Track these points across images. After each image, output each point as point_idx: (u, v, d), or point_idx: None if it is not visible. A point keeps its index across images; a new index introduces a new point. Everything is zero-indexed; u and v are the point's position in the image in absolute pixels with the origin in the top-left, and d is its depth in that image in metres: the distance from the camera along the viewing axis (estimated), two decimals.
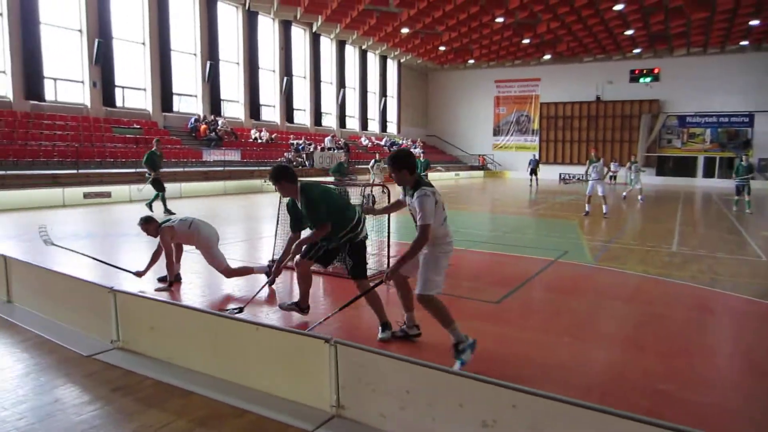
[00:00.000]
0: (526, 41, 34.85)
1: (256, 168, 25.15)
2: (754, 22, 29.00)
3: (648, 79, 38.87)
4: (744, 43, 33.93)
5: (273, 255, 8.25)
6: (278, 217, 8.28)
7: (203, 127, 25.42)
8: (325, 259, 5.31)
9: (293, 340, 3.80)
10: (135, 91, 24.19)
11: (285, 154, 27.71)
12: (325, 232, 4.97)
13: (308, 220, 5.11)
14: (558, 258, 9.39)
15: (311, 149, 28.96)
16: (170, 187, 16.48)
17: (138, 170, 19.41)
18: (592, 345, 5.26)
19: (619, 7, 27.00)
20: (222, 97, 27.92)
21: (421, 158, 21.40)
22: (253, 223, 13.80)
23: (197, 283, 7.22)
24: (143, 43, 24.02)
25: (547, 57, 39.91)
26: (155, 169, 14.23)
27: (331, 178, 21.42)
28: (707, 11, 27.35)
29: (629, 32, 32.35)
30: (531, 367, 4.57)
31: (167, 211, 13.55)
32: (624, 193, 22.45)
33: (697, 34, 32.53)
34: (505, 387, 2.92)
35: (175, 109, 25.50)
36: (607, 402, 3.36)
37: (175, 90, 25.34)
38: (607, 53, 38.57)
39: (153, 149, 14.50)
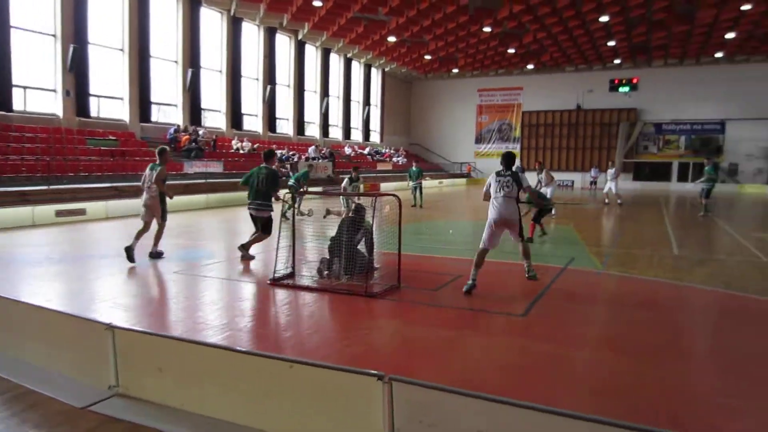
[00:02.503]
0: (511, 51, 34.97)
1: (239, 180, 24.27)
2: (730, 35, 29.84)
3: (627, 89, 39.58)
4: (719, 54, 34.89)
5: (274, 274, 7.72)
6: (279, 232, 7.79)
7: (185, 137, 24.49)
8: None
9: (337, 378, 3.26)
10: (111, 101, 23.08)
11: None
12: None
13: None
14: (567, 265, 9.15)
15: (295, 159, 28.30)
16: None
17: (114, 184, 18.40)
18: (649, 361, 4.84)
19: (605, 18, 27.25)
20: (203, 106, 27.02)
21: (414, 167, 21.07)
22: (239, 239, 12.98)
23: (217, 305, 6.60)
24: (121, 50, 22.99)
25: (530, 67, 40.26)
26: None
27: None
28: (688, 24, 28.01)
29: (611, 43, 32.85)
30: (595, 390, 4.18)
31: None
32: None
33: (676, 46, 33.37)
34: (602, 423, 2.51)
35: (153, 119, 24.42)
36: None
37: (153, 99, 24.28)
38: (589, 63, 39.12)
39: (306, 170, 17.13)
